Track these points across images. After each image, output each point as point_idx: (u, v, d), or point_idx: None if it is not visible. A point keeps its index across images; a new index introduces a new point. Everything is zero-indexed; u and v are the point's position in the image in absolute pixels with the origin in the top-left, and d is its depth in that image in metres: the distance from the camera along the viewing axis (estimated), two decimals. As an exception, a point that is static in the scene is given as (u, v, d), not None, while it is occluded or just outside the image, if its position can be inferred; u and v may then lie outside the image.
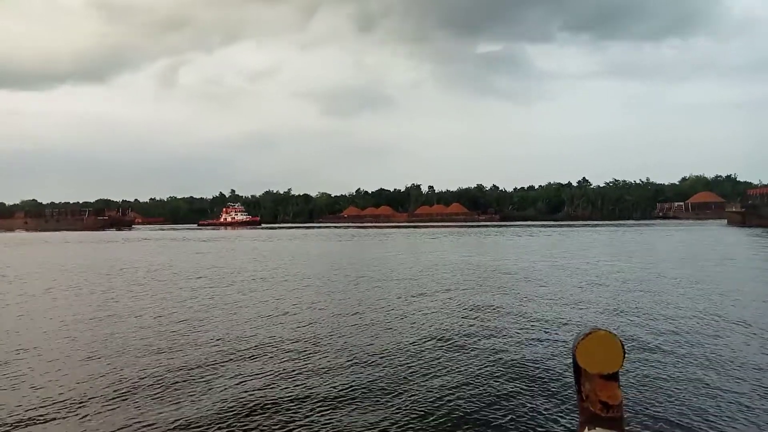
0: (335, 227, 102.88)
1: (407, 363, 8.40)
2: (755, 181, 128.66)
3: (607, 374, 1.52)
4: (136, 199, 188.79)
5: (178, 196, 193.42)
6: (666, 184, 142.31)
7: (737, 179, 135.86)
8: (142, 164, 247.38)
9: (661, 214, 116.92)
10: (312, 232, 75.32)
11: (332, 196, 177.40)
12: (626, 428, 1.39)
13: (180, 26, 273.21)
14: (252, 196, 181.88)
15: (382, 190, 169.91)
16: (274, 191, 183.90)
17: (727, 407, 6.33)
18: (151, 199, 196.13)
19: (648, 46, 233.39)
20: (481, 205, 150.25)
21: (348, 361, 8.56)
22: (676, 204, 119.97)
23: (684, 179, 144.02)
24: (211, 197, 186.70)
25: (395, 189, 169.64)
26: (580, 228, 70.01)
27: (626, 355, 1.52)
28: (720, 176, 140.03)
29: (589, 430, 1.55)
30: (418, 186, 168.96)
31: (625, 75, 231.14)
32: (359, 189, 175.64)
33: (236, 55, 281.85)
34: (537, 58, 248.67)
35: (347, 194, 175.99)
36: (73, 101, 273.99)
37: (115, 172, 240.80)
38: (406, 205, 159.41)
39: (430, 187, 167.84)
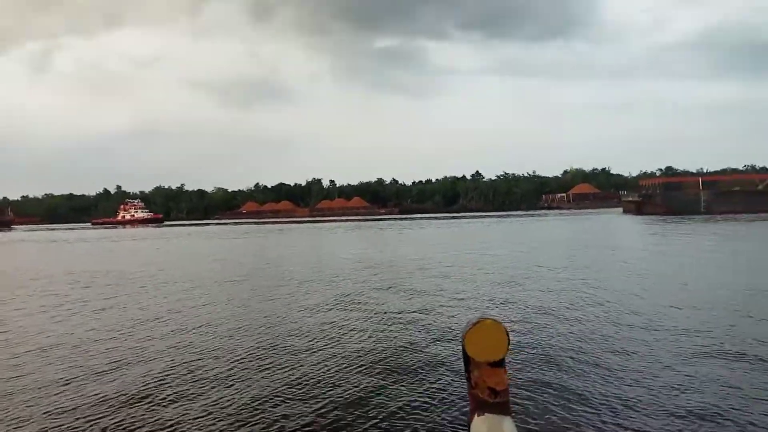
0: (233, 224, 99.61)
1: (288, 361, 8.29)
2: (625, 173, 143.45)
3: (494, 361, 1.58)
4: (4, 197, 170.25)
5: (56, 193, 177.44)
6: (550, 176, 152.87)
7: (611, 172, 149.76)
8: (11, 158, 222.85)
9: (546, 205, 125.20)
10: (213, 230, 72.39)
11: (229, 191, 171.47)
12: (513, 412, 1.51)
13: (51, 6, 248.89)
14: (141, 191, 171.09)
15: (282, 184, 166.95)
16: (166, 186, 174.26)
17: (601, 388, 6.95)
18: (23, 196, 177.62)
19: (535, 46, 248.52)
20: (382, 199, 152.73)
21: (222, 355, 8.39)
22: (559, 195, 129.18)
23: (566, 172, 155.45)
24: (95, 194, 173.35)
25: (296, 183, 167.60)
26: (472, 219, 73.54)
27: (510, 342, 1.57)
28: (597, 169, 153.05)
29: (478, 416, 1.61)
30: (319, 180, 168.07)
31: (515, 73, 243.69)
32: (258, 183, 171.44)
33: (120, 41, 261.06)
34: (433, 54, 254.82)
35: (245, 189, 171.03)
36: None
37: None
38: (307, 200, 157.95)
39: (332, 182, 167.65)
